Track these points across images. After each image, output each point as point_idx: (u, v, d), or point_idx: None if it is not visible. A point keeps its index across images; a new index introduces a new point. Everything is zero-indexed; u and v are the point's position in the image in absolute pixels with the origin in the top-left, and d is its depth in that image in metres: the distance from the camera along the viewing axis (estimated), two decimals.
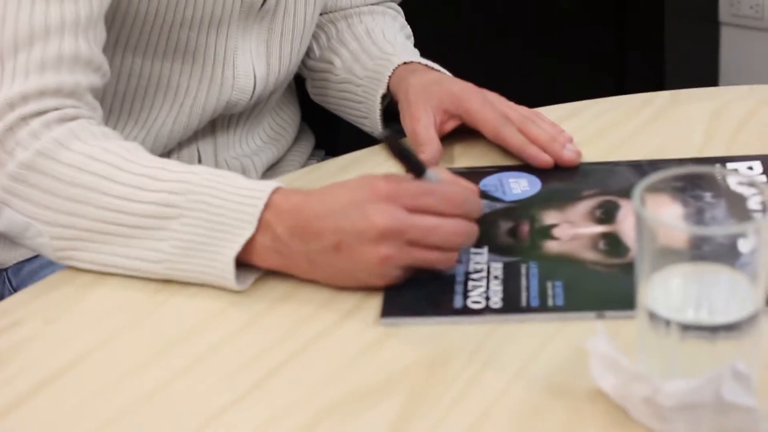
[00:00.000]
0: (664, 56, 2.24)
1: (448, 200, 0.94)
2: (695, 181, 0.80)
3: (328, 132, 1.55)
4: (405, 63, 1.26)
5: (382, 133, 0.93)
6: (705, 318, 0.78)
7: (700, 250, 0.75)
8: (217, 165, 1.31)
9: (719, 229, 0.78)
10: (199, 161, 1.30)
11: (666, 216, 0.78)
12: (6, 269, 1.32)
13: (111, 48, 1.18)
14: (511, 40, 2.39)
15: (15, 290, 1.30)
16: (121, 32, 1.18)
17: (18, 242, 1.06)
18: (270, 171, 1.40)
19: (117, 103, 1.22)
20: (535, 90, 1.46)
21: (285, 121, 1.42)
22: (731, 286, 0.77)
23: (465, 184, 1.00)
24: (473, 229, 0.95)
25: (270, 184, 0.97)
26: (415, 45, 1.39)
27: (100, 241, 0.99)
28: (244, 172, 1.34)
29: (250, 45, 1.25)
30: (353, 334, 0.92)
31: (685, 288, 0.78)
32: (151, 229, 0.97)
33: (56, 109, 1.03)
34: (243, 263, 0.97)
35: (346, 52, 1.34)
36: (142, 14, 1.17)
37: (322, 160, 1.48)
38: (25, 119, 1.01)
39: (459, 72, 1.27)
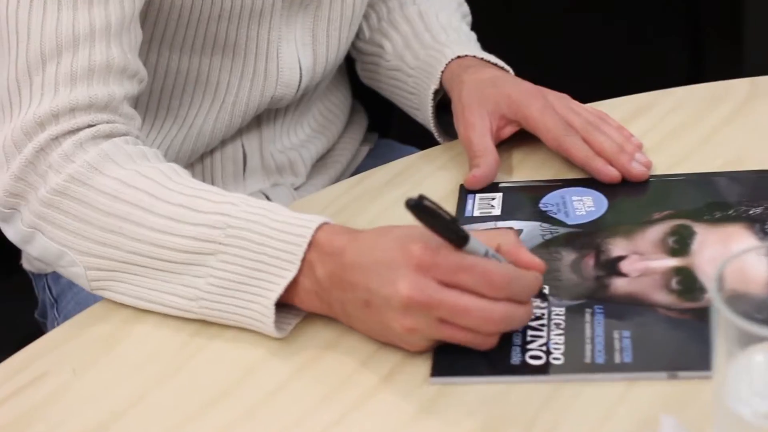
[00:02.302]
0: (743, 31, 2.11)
1: (488, 281, 0.82)
2: None
3: (381, 110, 1.46)
4: (459, 57, 1.17)
5: (408, 200, 0.81)
6: None
7: None
8: (262, 160, 1.24)
9: None
10: (244, 157, 1.23)
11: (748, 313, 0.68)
12: (46, 275, 1.27)
13: (146, 44, 1.11)
14: (577, 17, 2.26)
15: (54, 299, 1.26)
16: (156, 28, 1.10)
17: (53, 269, 1.00)
18: (320, 163, 1.32)
19: (154, 102, 1.15)
20: (603, 68, 1.36)
21: (336, 106, 1.34)
22: None
23: (527, 258, 0.87)
24: (518, 314, 0.85)
25: (315, 220, 0.89)
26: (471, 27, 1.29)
27: (136, 274, 0.93)
28: (292, 166, 1.26)
29: (295, 35, 1.17)
30: (400, 397, 0.84)
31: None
32: (188, 264, 0.91)
33: (89, 125, 0.96)
34: (281, 304, 0.90)
35: (397, 36, 1.25)
36: (178, 7, 1.09)
37: (375, 145, 1.40)
38: (56, 139, 0.95)
39: (517, 54, 1.18)
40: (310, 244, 0.88)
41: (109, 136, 0.97)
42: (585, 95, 1.14)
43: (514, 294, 0.84)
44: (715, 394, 0.70)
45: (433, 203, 0.81)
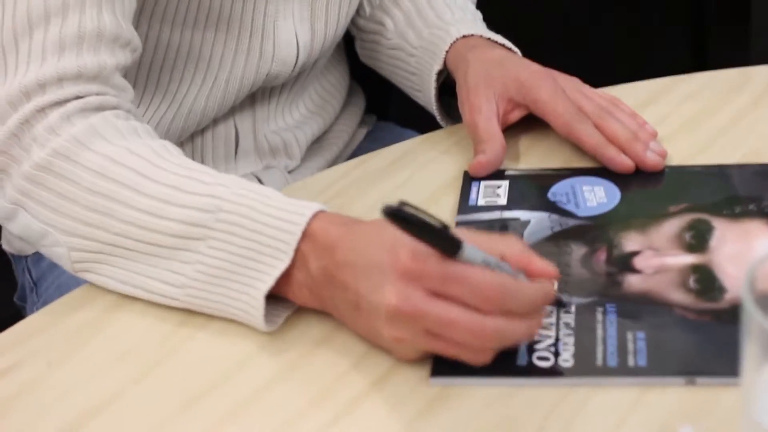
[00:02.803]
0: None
1: (480, 293, 0.75)
2: None
3: (380, 91, 1.40)
4: (465, 36, 1.11)
5: (385, 208, 0.74)
6: None
7: None
8: (255, 141, 1.18)
9: None
10: (236, 137, 1.17)
11: None
12: (26, 257, 1.21)
13: (137, 16, 1.05)
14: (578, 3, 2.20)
15: (34, 282, 1.20)
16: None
17: (35, 248, 0.94)
18: (315, 144, 1.26)
19: (143, 77, 1.09)
20: (604, 56, 1.29)
21: (333, 86, 1.28)
22: None
23: (538, 265, 0.80)
24: (516, 330, 0.77)
25: (310, 208, 0.83)
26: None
27: (121, 257, 0.88)
28: (286, 148, 1.20)
29: (293, 10, 1.11)
30: (398, 398, 0.79)
31: None
32: (176, 249, 0.85)
33: (78, 97, 0.90)
34: (272, 296, 0.84)
35: (399, 14, 1.19)
36: None
37: (373, 128, 1.34)
38: (42, 110, 0.89)
39: (519, 38, 1.12)
40: (304, 234, 0.82)
41: (99, 108, 0.91)
42: (587, 82, 1.08)
43: (511, 308, 0.76)
44: (742, 406, 0.64)
45: (416, 210, 0.74)
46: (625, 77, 1.14)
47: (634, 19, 2.18)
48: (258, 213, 0.84)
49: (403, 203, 0.74)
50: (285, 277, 0.83)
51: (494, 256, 0.77)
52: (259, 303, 0.83)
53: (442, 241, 0.75)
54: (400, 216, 0.74)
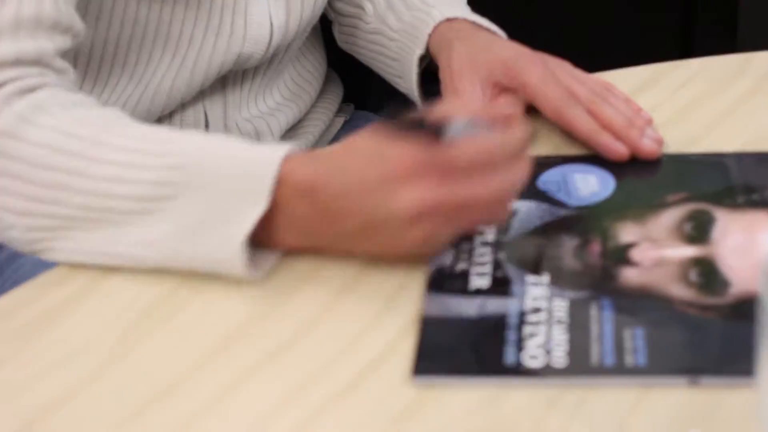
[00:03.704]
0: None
1: (485, 153, 0.78)
2: None
3: (358, 80, 1.34)
4: (448, 20, 1.05)
5: (380, 118, 0.79)
6: None
7: None
8: (226, 129, 1.13)
9: None
10: (206, 124, 1.12)
11: None
12: None
13: None
14: None
15: None
16: None
17: None
18: (290, 133, 1.20)
19: (108, 56, 1.04)
20: (586, 43, 1.24)
21: (309, 72, 1.22)
22: None
23: (501, 110, 0.85)
24: (521, 171, 0.80)
25: (277, 153, 0.81)
26: None
27: (83, 230, 0.83)
28: (258, 136, 1.15)
29: None
30: (377, 398, 0.73)
31: None
32: (144, 213, 0.82)
33: (16, 80, 0.86)
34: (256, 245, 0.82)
35: None
36: None
37: (351, 117, 1.29)
38: None
39: (505, 20, 1.07)
40: (279, 181, 0.80)
41: (39, 87, 0.87)
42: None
43: (511, 154, 0.80)
44: (758, 408, 0.59)
45: (398, 108, 0.80)
46: (609, 65, 1.08)
47: (619, 6, 2.14)
48: (226, 161, 0.81)
49: (390, 105, 0.80)
50: (267, 224, 0.81)
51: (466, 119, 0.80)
52: (240, 247, 0.79)
53: (431, 125, 0.78)
54: (396, 117, 0.79)
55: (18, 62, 0.86)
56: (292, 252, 0.83)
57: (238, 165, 0.81)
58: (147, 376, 0.76)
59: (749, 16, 2.04)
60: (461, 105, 0.85)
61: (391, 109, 0.79)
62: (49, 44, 0.88)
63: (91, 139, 0.83)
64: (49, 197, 0.83)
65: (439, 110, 0.80)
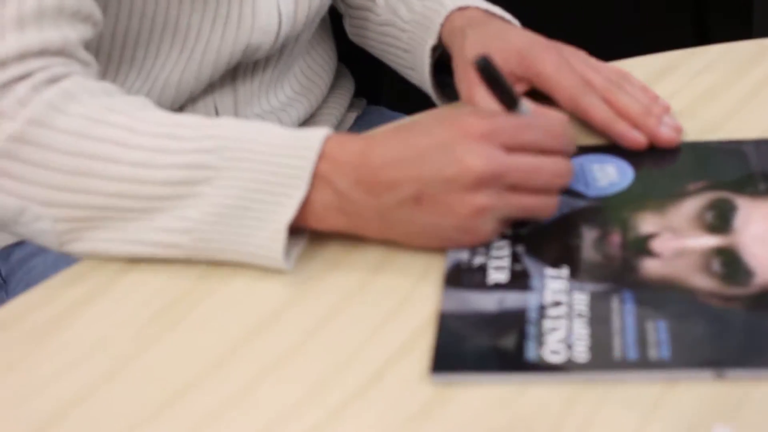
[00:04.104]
0: None
1: (551, 134, 0.81)
2: None
3: (370, 75, 1.33)
4: (460, 9, 1.04)
5: (478, 60, 0.79)
6: None
7: None
8: None
9: None
10: None
11: None
12: None
13: None
14: None
15: (4, 280, 1.13)
16: None
17: (9, 231, 0.87)
18: (301, 128, 1.18)
19: (116, 50, 1.03)
20: (600, 33, 1.22)
21: (319, 66, 1.21)
22: None
23: (554, 114, 0.89)
24: (569, 165, 0.83)
25: (320, 131, 0.81)
26: None
27: (117, 219, 0.83)
28: None
29: None
30: (394, 396, 0.71)
31: None
32: (178, 198, 0.81)
33: (43, 69, 0.85)
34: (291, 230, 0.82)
35: None
36: None
37: (363, 112, 1.27)
38: (7, 86, 0.84)
39: (516, 10, 1.05)
40: (321, 156, 0.80)
41: (67, 77, 0.86)
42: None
43: (568, 144, 0.83)
44: None
45: (495, 64, 0.80)
46: (623, 55, 1.06)
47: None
48: (266, 145, 0.80)
49: (487, 57, 0.80)
50: (305, 204, 0.80)
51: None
52: (281, 235, 0.79)
53: (509, 92, 0.81)
54: (489, 67, 0.80)
55: (44, 52, 0.85)
56: (322, 235, 0.83)
57: (278, 146, 0.80)
58: (163, 376, 0.75)
59: (764, 3, 2.02)
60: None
61: (483, 59, 0.79)
62: (72, 33, 0.88)
63: (121, 125, 0.82)
64: (79, 185, 0.82)
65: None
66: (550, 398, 0.70)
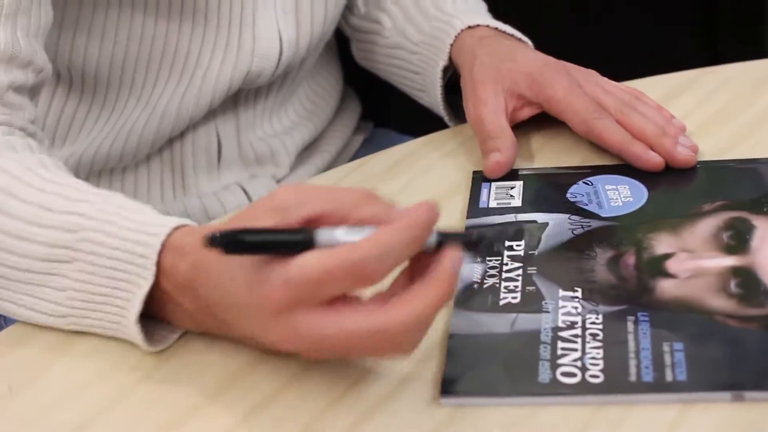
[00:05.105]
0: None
1: (358, 276, 0.65)
2: None
3: (377, 97, 1.33)
4: (470, 27, 1.03)
5: (210, 239, 0.67)
6: None
7: None
8: (240, 149, 1.11)
9: None
10: (219, 145, 1.10)
11: None
12: None
13: (105, 3, 0.99)
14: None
15: None
16: None
17: None
18: (306, 152, 1.18)
19: (115, 77, 1.03)
20: (610, 54, 1.21)
21: (324, 90, 1.20)
22: None
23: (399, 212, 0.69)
24: (422, 307, 0.66)
25: (163, 227, 0.75)
26: None
27: (4, 284, 0.80)
28: (273, 156, 1.13)
29: (275, 1, 1.03)
30: (403, 421, 0.70)
31: None
32: (47, 274, 0.78)
33: None
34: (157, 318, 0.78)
35: (396, 9, 1.12)
36: None
37: (370, 135, 1.27)
38: None
39: (527, 33, 1.05)
40: (161, 272, 0.75)
41: None
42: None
43: (398, 262, 0.67)
44: None
45: (243, 230, 0.67)
46: (634, 75, 1.06)
47: (644, 16, 2.12)
48: (117, 230, 0.76)
49: (222, 233, 0.67)
50: (161, 309, 0.77)
51: (347, 227, 0.68)
52: (134, 328, 0.76)
53: (289, 245, 0.67)
54: (235, 244, 0.66)
55: None
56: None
57: (126, 240, 0.76)
58: (165, 402, 0.74)
59: None
60: (349, 205, 0.69)
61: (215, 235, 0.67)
62: (2, 77, 0.86)
63: (4, 188, 0.80)
64: None
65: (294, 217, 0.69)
66: (564, 421, 0.69)
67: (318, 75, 1.20)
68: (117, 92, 1.04)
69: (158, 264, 0.75)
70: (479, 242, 0.76)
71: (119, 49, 1.00)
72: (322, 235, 0.67)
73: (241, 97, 1.10)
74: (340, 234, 0.67)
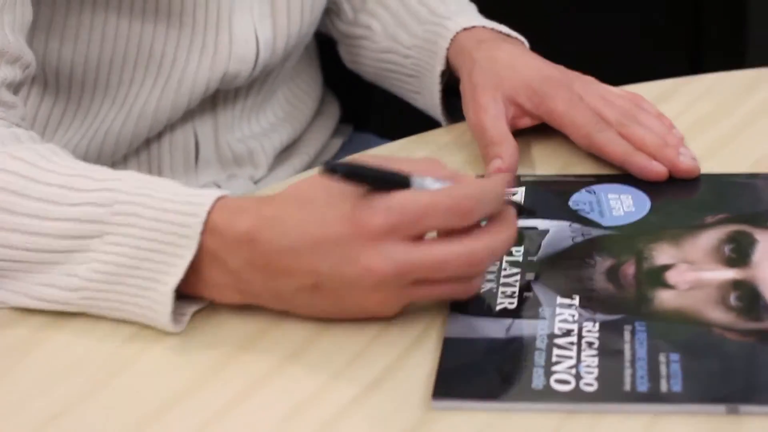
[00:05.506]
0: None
1: (458, 213, 0.73)
2: None
3: (357, 101, 1.32)
4: (465, 29, 1.03)
5: (320, 169, 0.73)
6: None
7: None
8: (218, 149, 1.11)
9: None
10: (196, 145, 1.10)
11: None
12: None
13: (78, 4, 0.98)
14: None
15: None
16: None
17: None
18: (284, 154, 1.18)
19: (90, 78, 1.02)
20: (595, 61, 1.20)
21: (304, 92, 1.20)
22: None
23: (470, 183, 0.76)
24: (503, 237, 0.75)
25: (209, 196, 0.77)
26: None
27: (8, 270, 0.80)
28: (251, 157, 1.13)
29: (251, 3, 1.04)
30: (393, 422, 0.70)
31: None
32: (70, 252, 0.78)
33: None
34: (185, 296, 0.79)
35: (385, 14, 1.12)
36: None
37: (349, 139, 1.26)
38: None
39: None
40: (207, 230, 0.76)
41: None
42: None
43: (486, 210, 0.74)
44: None
45: (352, 164, 0.74)
46: (617, 82, 1.05)
47: (629, 22, 2.12)
48: (157, 201, 0.77)
49: (334, 164, 0.73)
50: (197, 278, 0.77)
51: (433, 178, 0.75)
52: (167, 299, 0.77)
53: (393, 177, 0.74)
54: (345, 172, 0.73)
55: None
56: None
57: (166, 209, 0.77)
58: (146, 391, 0.74)
59: (757, 34, 2.03)
60: (416, 165, 0.76)
61: (331, 165, 0.72)
62: None
63: (21, 172, 0.80)
64: None
65: (392, 163, 0.75)
66: (558, 429, 0.69)
67: (298, 77, 1.19)
68: (92, 93, 1.03)
69: (205, 223, 0.76)
70: (532, 212, 0.85)
71: (93, 51, 1.00)
72: (416, 179, 0.74)
73: (219, 97, 1.09)
74: (430, 181, 0.74)
